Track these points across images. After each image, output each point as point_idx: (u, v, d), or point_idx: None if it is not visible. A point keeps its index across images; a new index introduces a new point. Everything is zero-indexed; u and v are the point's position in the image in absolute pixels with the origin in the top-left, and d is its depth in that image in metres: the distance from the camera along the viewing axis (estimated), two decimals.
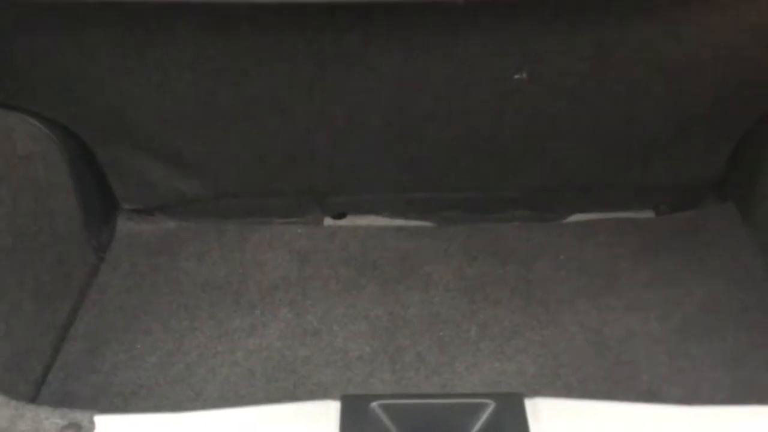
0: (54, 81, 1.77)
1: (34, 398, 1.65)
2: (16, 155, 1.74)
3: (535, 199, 2.11)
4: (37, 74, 1.76)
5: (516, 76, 1.74)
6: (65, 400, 1.65)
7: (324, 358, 1.75)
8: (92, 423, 1.19)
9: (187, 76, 1.75)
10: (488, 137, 1.91)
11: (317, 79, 1.77)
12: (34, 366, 1.69)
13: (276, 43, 1.71)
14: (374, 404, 1.17)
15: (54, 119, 1.85)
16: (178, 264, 2.00)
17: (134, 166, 2.00)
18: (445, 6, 1.56)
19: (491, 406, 1.16)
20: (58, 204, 1.86)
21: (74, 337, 1.80)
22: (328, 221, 2.15)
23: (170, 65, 1.73)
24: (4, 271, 1.61)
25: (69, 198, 1.89)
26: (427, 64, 1.72)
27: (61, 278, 1.83)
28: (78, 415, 1.19)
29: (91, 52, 1.70)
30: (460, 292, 1.90)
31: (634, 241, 2.04)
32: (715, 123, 1.90)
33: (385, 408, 1.16)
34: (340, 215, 2.17)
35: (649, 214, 2.13)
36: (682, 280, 1.91)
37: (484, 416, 1.16)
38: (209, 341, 1.79)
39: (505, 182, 2.07)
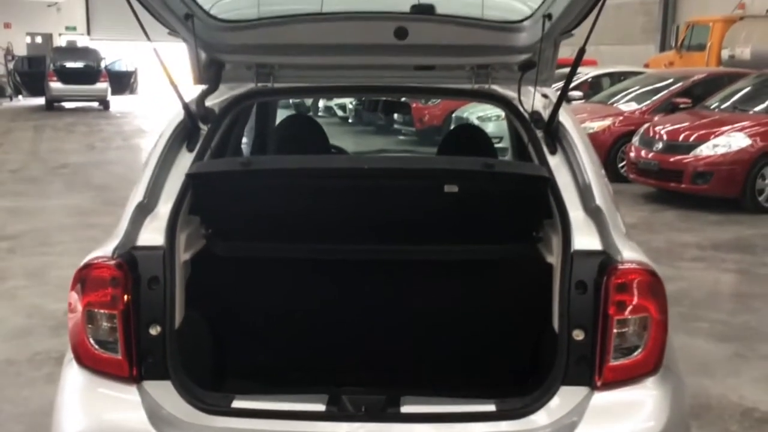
0: (214, 305, 3.14)
1: None
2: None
3: (445, 382, 3.23)
4: (211, 302, 3.10)
5: (418, 306, 3.26)
6: None
7: None
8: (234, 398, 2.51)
9: (279, 304, 3.30)
10: (410, 341, 3.31)
11: (334, 304, 3.27)
12: None
13: (314, 283, 3.28)
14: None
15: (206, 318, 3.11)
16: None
17: (242, 354, 3.32)
18: (385, 265, 3.14)
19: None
20: (200, 359, 2.96)
21: None
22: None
23: (269, 299, 3.30)
24: None
25: (204, 360, 3.05)
26: (384, 293, 3.30)
27: None
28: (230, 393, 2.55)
29: (235, 296, 3.26)
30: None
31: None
32: (511, 337, 3.20)
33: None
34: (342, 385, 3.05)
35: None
36: None
37: None
38: None
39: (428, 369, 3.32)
